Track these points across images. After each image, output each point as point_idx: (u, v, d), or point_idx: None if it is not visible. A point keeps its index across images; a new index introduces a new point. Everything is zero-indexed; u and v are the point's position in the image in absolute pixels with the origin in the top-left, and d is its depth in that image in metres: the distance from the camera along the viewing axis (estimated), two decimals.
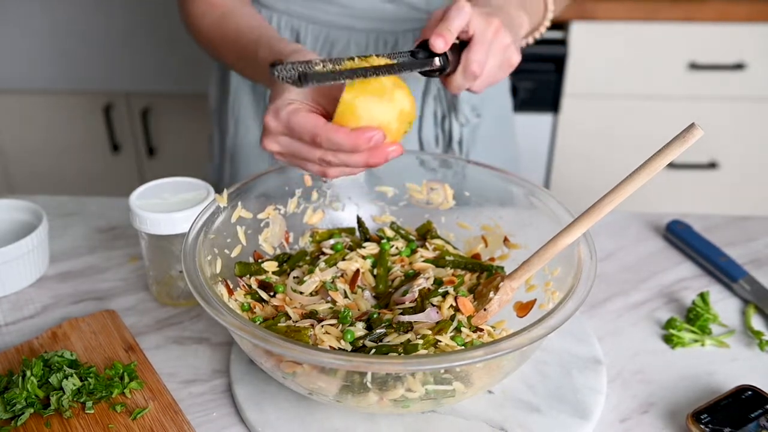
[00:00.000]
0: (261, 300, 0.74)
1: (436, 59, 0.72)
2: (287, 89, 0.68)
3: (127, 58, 2.05)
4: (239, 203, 0.76)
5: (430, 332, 0.66)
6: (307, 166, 0.69)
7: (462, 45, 0.74)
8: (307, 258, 0.79)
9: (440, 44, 0.70)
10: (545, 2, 0.92)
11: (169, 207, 0.80)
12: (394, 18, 0.99)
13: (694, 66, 1.89)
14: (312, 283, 0.74)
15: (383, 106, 0.65)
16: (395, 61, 0.68)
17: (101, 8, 1.99)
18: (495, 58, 0.75)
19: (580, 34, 1.87)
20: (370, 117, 0.64)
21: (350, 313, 0.69)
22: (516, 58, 0.78)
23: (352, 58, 0.66)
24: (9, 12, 2.00)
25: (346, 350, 0.65)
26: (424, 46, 0.71)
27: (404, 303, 0.72)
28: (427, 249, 0.81)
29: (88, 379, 0.70)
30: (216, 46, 0.93)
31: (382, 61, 0.67)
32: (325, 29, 1.01)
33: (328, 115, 0.67)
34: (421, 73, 0.73)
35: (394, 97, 0.65)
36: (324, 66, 0.63)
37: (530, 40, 0.94)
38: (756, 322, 0.83)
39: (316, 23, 1.01)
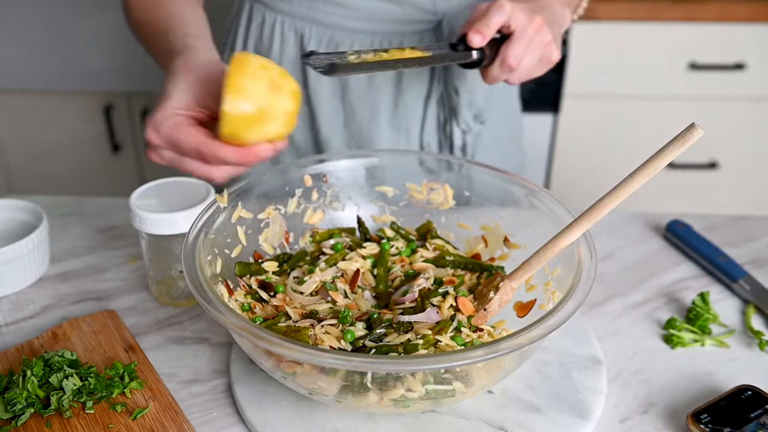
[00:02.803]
0: (261, 300, 0.74)
1: (474, 52, 0.77)
2: (169, 97, 0.66)
3: (127, 58, 2.05)
4: (239, 203, 0.76)
5: (430, 332, 0.66)
6: (194, 174, 0.68)
7: (503, 38, 0.79)
8: (307, 258, 0.79)
9: (477, 40, 0.75)
10: None
11: (169, 207, 0.80)
12: (399, 19, 0.98)
13: (694, 66, 1.89)
14: (312, 283, 0.74)
15: (267, 125, 0.62)
16: (430, 53, 0.72)
17: (101, 8, 1.99)
18: (534, 53, 0.79)
19: (580, 34, 1.87)
20: (258, 137, 0.62)
21: (350, 313, 0.69)
22: (556, 56, 0.81)
23: (386, 50, 0.66)
24: (9, 12, 2.00)
25: (346, 350, 0.65)
26: (464, 39, 0.76)
27: (404, 303, 0.72)
28: (427, 249, 0.81)
29: (89, 379, 0.70)
30: (142, 30, 0.87)
31: (417, 53, 0.70)
32: (329, 31, 1.00)
33: (216, 118, 0.64)
34: (459, 64, 0.78)
35: (275, 113, 0.62)
36: (357, 57, 0.64)
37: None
38: (756, 322, 0.83)
39: (320, 25, 1.00)
